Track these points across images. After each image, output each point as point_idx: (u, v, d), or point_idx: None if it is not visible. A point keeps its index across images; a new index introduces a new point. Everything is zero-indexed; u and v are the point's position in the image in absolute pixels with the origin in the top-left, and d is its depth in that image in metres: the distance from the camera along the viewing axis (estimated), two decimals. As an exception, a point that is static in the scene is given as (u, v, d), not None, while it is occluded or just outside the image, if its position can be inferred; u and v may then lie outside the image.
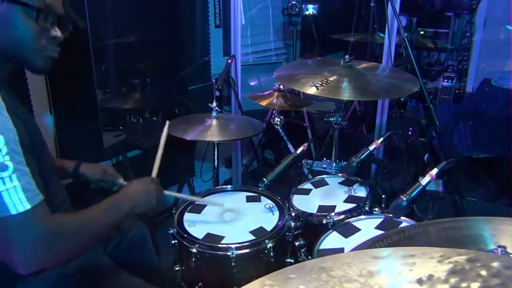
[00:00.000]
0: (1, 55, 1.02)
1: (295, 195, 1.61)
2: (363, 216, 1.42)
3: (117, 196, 1.19)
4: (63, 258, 1.04)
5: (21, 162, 0.92)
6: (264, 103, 2.30)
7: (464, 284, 0.45)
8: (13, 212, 0.90)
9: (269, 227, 1.36)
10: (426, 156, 1.77)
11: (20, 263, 0.94)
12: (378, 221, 1.37)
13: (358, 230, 1.35)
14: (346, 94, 1.61)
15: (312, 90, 1.61)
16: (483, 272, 0.46)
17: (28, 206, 0.91)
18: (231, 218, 1.44)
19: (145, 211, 1.24)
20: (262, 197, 1.56)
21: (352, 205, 1.51)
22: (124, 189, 1.24)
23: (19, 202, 0.90)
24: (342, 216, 1.44)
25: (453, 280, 0.45)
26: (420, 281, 0.46)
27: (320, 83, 1.63)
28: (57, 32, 1.06)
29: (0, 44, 1.00)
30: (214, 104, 1.92)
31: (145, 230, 1.53)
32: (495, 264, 0.46)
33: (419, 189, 1.24)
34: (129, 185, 1.26)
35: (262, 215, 1.44)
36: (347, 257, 0.53)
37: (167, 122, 1.54)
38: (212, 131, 1.85)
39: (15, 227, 0.92)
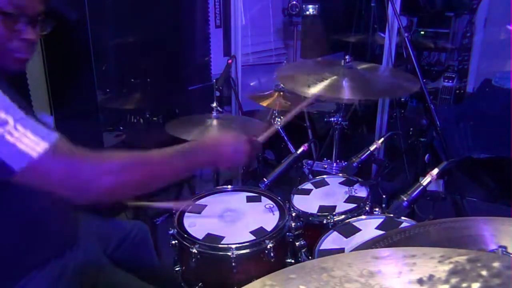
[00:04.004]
0: None
1: (295, 195, 1.61)
2: (363, 216, 1.41)
3: (199, 144, 1.13)
4: (114, 187, 0.96)
5: (19, 112, 0.89)
6: (264, 103, 2.30)
7: (464, 284, 0.45)
8: (35, 155, 0.87)
9: (269, 227, 1.36)
10: (426, 156, 1.77)
11: (73, 196, 0.93)
12: (378, 221, 1.37)
13: (359, 230, 1.35)
14: (346, 93, 1.60)
15: (310, 91, 1.60)
16: (484, 272, 0.46)
17: (46, 145, 0.88)
18: (232, 219, 1.44)
19: (229, 167, 1.20)
20: (262, 197, 1.56)
21: (352, 205, 1.50)
22: (213, 137, 1.18)
23: (35, 145, 0.87)
24: (343, 216, 1.44)
25: (453, 281, 0.45)
26: (420, 281, 0.46)
27: (316, 81, 1.63)
28: (29, 34, 1.02)
29: None
30: (215, 104, 1.92)
31: (146, 230, 1.53)
32: (496, 264, 0.46)
33: (419, 189, 1.24)
34: (222, 135, 1.20)
35: (263, 215, 1.44)
36: (347, 257, 0.53)
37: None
38: (212, 131, 1.85)
39: (45, 168, 0.89)
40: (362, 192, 1.60)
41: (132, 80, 2.56)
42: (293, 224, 1.40)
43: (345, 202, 1.55)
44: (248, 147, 1.18)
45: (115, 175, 0.96)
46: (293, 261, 1.40)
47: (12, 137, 0.85)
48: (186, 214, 1.46)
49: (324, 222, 1.43)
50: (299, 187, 1.68)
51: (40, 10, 1.03)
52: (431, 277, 0.46)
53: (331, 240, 1.31)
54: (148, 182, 1.04)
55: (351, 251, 1.18)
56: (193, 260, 1.27)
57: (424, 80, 1.75)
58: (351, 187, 1.64)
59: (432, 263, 0.49)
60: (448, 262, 0.48)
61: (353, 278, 0.47)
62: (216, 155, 1.14)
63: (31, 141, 0.87)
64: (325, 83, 1.62)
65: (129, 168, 0.99)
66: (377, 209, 1.48)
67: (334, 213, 1.45)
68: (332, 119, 1.88)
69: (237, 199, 1.56)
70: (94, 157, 0.95)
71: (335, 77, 1.66)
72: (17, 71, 1.06)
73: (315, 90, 1.60)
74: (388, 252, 0.54)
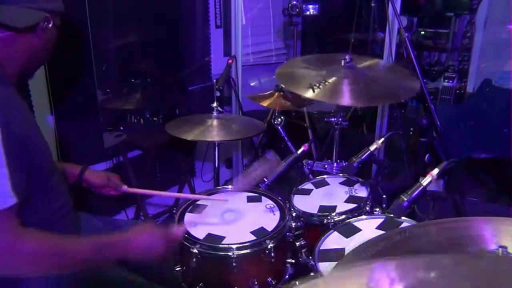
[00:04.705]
0: (27, 61, 1.07)
1: (296, 195, 1.61)
2: (364, 216, 1.42)
3: (116, 238, 1.13)
4: (17, 274, 1.00)
5: (0, 162, 0.90)
6: (264, 103, 2.30)
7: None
8: None
9: (270, 228, 1.36)
10: (426, 156, 1.76)
11: None
12: (379, 221, 1.38)
13: (359, 230, 1.35)
14: (347, 99, 1.60)
15: (310, 94, 1.60)
16: (471, 274, 0.46)
17: None
18: (232, 219, 1.44)
19: (140, 261, 1.16)
20: (262, 198, 1.56)
21: (353, 205, 1.51)
22: (131, 234, 1.16)
23: None
24: (343, 216, 1.44)
25: (442, 282, 0.45)
26: None
27: (317, 84, 1.62)
28: None
29: (33, 55, 1.08)
30: (215, 104, 1.93)
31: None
32: (481, 264, 0.47)
33: (420, 189, 1.24)
34: (138, 230, 1.17)
35: (263, 216, 1.44)
36: (331, 276, 0.52)
37: None
38: (212, 131, 1.85)
39: None
40: (362, 192, 1.60)
41: (132, 80, 2.56)
42: (293, 224, 1.40)
43: (345, 202, 1.55)
44: (164, 242, 1.17)
45: (30, 265, 0.97)
46: (293, 261, 1.41)
47: None
48: (187, 214, 1.46)
49: (325, 222, 1.44)
50: (300, 187, 1.69)
51: None
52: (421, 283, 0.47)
53: (331, 240, 1.32)
54: (57, 270, 1.05)
55: (351, 251, 1.18)
56: (194, 260, 1.27)
57: (424, 80, 1.74)
58: (352, 187, 1.64)
59: (419, 270, 0.49)
60: (434, 268, 0.48)
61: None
62: (130, 251, 1.13)
63: None
64: (326, 87, 1.62)
65: (46, 259, 0.99)
66: (377, 209, 1.49)
67: (334, 213, 1.45)
68: (332, 119, 1.88)
69: (238, 199, 1.56)
70: (19, 242, 0.95)
71: (335, 78, 1.66)
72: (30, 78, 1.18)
73: (317, 94, 1.59)
74: (372, 264, 0.53)
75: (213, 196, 1.54)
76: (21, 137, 0.97)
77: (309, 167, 1.86)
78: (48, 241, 1.01)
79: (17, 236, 0.95)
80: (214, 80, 2.19)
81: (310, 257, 1.36)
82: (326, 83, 1.63)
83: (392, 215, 1.33)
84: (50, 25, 1.07)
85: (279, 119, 2.26)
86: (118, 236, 1.16)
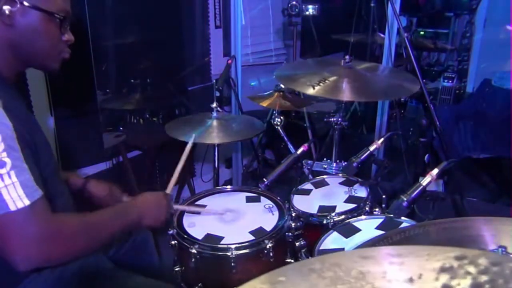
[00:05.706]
0: (15, 55, 1.04)
1: (295, 196, 1.61)
2: (363, 217, 1.41)
3: (127, 204, 1.22)
4: (63, 258, 1.02)
5: (18, 158, 0.92)
6: (264, 103, 2.30)
7: (454, 282, 0.45)
8: (12, 208, 0.89)
9: (268, 228, 1.36)
10: (426, 156, 1.77)
11: (20, 259, 0.94)
12: (378, 221, 1.37)
13: (359, 230, 1.35)
14: (346, 95, 1.60)
15: (310, 91, 1.60)
16: (472, 269, 0.46)
17: (27, 202, 0.91)
18: (231, 219, 1.44)
19: (153, 224, 1.25)
20: (261, 198, 1.56)
21: (352, 206, 1.50)
22: (135, 198, 1.25)
23: (18, 199, 0.90)
24: (343, 217, 1.44)
25: (443, 278, 0.45)
26: (411, 281, 0.46)
27: (318, 82, 1.63)
28: (70, 36, 1.10)
29: (18, 47, 1.02)
30: (215, 104, 1.92)
31: (147, 231, 1.53)
32: (482, 261, 0.46)
33: (419, 189, 1.24)
34: (141, 195, 1.27)
35: (262, 216, 1.44)
36: (335, 257, 0.52)
37: (193, 136, 1.60)
38: (212, 131, 1.85)
39: (15, 224, 0.91)
40: (362, 192, 1.60)
41: (132, 80, 2.56)
42: (293, 224, 1.40)
43: (345, 202, 1.55)
44: (166, 201, 1.30)
45: (70, 248, 1.01)
46: (293, 261, 1.40)
47: (2, 182, 0.89)
48: (186, 214, 1.46)
49: (324, 222, 1.43)
50: (299, 187, 1.68)
51: (71, 14, 1.10)
52: (420, 275, 0.46)
53: (331, 240, 1.31)
54: (92, 246, 1.10)
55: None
56: (193, 260, 1.27)
57: (424, 80, 1.75)
58: (351, 187, 1.64)
59: (420, 261, 0.49)
60: (435, 260, 0.48)
61: (343, 279, 0.47)
62: (142, 214, 1.22)
63: (16, 194, 0.90)
64: (326, 84, 1.62)
65: (82, 237, 1.05)
66: (377, 209, 1.48)
67: (334, 213, 1.45)
68: (332, 119, 1.88)
69: (237, 199, 1.56)
70: (55, 227, 0.98)
71: (335, 77, 1.66)
72: (56, 70, 1.12)
73: (317, 90, 1.60)
74: (373, 252, 0.53)
75: (211, 208, 1.53)
76: (28, 135, 0.98)
77: (309, 167, 1.85)
78: (78, 220, 1.06)
79: (54, 223, 0.98)
80: (214, 80, 2.19)
81: (310, 258, 1.36)
82: (326, 81, 1.63)
83: (391, 215, 1.32)
84: (15, 9, 0.97)
85: (279, 119, 2.26)
86: (129, 201, 1.26)
